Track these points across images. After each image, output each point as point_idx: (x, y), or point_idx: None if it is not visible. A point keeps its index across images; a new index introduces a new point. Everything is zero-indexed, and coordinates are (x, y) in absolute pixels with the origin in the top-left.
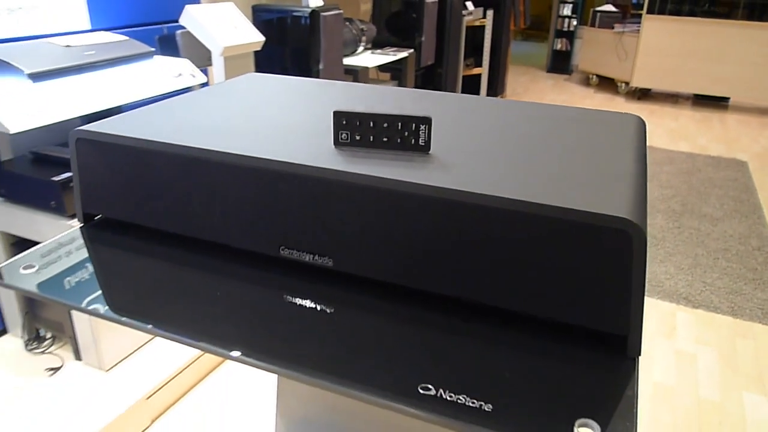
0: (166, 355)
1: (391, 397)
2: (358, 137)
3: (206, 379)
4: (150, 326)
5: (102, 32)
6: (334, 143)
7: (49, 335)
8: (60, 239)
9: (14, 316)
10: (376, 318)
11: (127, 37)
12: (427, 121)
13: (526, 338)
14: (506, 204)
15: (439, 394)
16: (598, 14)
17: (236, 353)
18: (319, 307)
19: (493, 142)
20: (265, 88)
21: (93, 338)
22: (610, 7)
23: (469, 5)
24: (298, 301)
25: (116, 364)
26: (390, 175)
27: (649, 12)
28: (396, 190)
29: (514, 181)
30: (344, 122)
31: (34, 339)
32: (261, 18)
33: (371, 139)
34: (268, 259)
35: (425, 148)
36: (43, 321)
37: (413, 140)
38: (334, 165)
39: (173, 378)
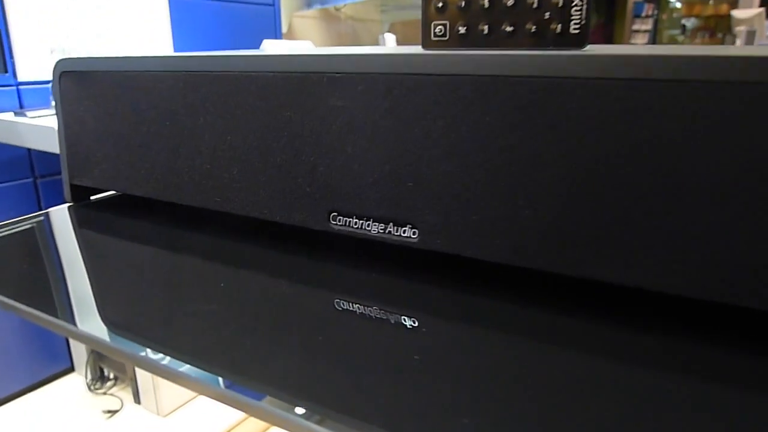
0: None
1: None
2: (462, 29)
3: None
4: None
5: None
6: (424, 43)
7: (112, 375)
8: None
9: (81, 354)
10: (507, 340)
11: None
12: None
13: None
14: None
15: None
16: None
17: (297, 415)
18: (401, 321)
19: None
20: None
21: (152, 382)
22: None
23: None
24: (364, 310)
25: (174, 410)
26: (535, 63)
27: None
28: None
29: None
30: (440, 4)
31: (98, 379)
32: None
33: (486, 31)
34: (311, 239)
35: (579, 39)
36: (107, 360)
37: (559, 26)
38: (426, 65)
39: (233, 428)
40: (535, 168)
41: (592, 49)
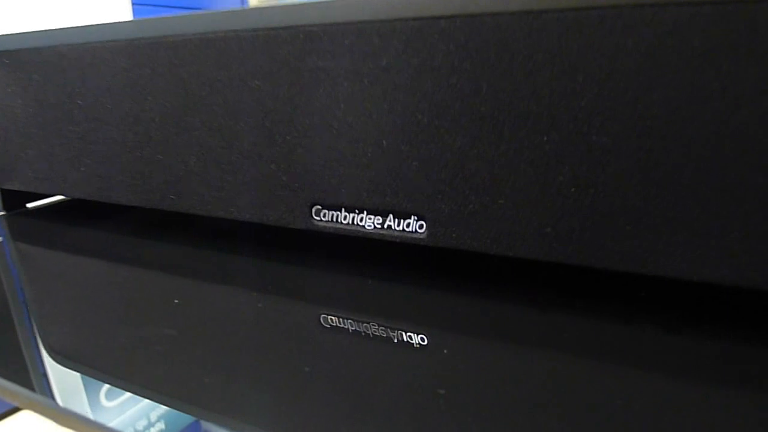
0: None
1: None
2: None
3: None
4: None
5: None
6: None
7: None
8: None
9: None
10: (555, 361)
11: None
12: None
13: None
14: None
15: None
16: None
17: None
18: (408, 338)
19: None
20: None
21: None
22: None
23: None
24: (359, 327)
25: None
26: None
27: None
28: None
29: None
30: None
31: None
32: None
33: None
34: (289, 241)
35: None
36: None
37: None
38: (438, 3)
39: None
40: (590, 139)
41: None
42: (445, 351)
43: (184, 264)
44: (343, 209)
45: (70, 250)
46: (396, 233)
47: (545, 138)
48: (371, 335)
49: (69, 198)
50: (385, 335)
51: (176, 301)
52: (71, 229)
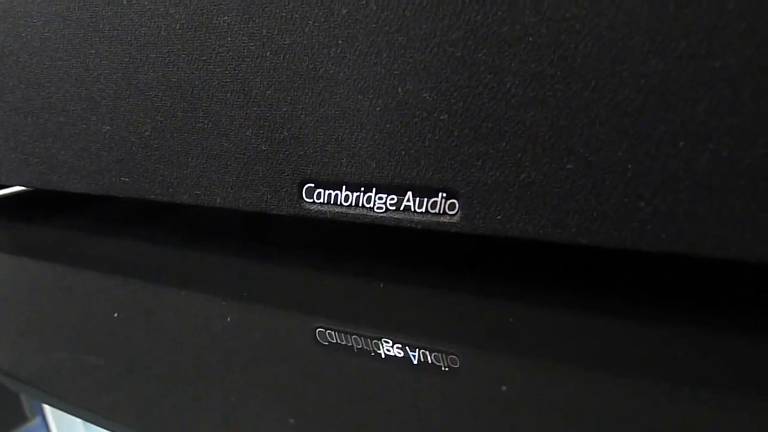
0: None
1: None
2: None
3: None
4: None
5: None
6: None
7: None
8: None
9: None
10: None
11: None
12: None
13: None
14: None
15: None
16: None
17: None
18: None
19: None
20: None
21: None
22: None
23: None
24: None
25: None
26: None
27: None
28: None
29: None
30: None
31: None
32: None
33: None
34: (274, 232)
35: None
36: None
37: None
38: None
39: None
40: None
41: None
42: (486, 376)
43: (143, 264)
44: (344, 187)
45: (15, 251)
46: (417, 217)
47: (641, 70)
48: (383, 355)
49: (26, 188)
50: (401, 355)
51: (115, 314)
52: (21, 227)
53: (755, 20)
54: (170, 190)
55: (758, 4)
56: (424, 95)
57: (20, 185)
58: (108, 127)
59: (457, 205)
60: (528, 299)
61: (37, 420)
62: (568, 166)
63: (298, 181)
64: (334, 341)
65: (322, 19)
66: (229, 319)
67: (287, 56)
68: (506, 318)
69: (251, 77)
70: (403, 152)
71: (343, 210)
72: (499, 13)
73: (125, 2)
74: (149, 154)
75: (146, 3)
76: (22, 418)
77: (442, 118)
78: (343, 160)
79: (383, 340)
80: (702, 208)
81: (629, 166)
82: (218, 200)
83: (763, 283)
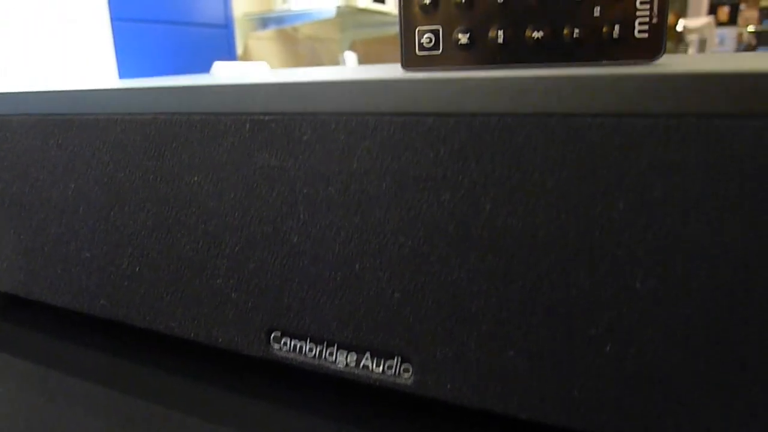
0: None
1: None
2: (464, 37)
3: None
4: None
5: None
6: (404, 61)
7: None
8: None
9: None
10: None
11: None
12: None
13: None
14: None
15: None
16: None
17: None
18: None
19: None
20: None
21: None
22: None
23: None
24: None
25: None
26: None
27: None
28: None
29: None
30: (428, 1)
31: None
32: None
33: (501, 38)
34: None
35: (653, 47)
36: None
37: (619, 30)
38: (412, 96)
39: None
40: (621, 271)
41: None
42: None
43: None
44: (308, 339)
45: None
46: (374, 375)
47: (573, 275)
48: None
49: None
50: None
51: None
52: None
53: None
54: (147, 318)
55: None
56: (379, 274)
57: (3, 290)
58: (87, 254)
59: (410, 370)
60: None
61: None
62: (509, 353)
63: (265, 328)
64: None
65: (286, 193)
66: None
67: (254, 219)
68: None
69: (221, 233)
70: (361, 319)
71: (307, 360)
72: (437, 213)
73: (98, 144)
74: (126, 284)
75: (119, 152)
76: None
77: (395, 295)
78: (307, 319)
79: None
80: (615, 394)
81: (564, 357)
82: (191, 334)
83: None
